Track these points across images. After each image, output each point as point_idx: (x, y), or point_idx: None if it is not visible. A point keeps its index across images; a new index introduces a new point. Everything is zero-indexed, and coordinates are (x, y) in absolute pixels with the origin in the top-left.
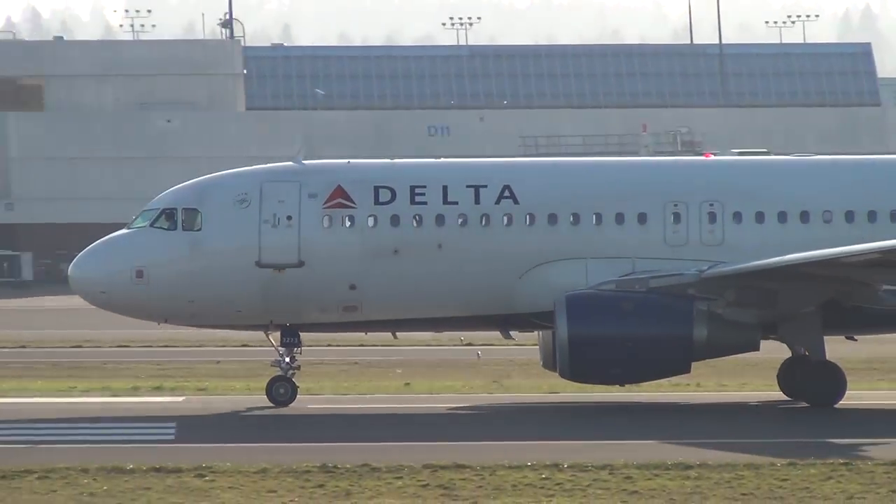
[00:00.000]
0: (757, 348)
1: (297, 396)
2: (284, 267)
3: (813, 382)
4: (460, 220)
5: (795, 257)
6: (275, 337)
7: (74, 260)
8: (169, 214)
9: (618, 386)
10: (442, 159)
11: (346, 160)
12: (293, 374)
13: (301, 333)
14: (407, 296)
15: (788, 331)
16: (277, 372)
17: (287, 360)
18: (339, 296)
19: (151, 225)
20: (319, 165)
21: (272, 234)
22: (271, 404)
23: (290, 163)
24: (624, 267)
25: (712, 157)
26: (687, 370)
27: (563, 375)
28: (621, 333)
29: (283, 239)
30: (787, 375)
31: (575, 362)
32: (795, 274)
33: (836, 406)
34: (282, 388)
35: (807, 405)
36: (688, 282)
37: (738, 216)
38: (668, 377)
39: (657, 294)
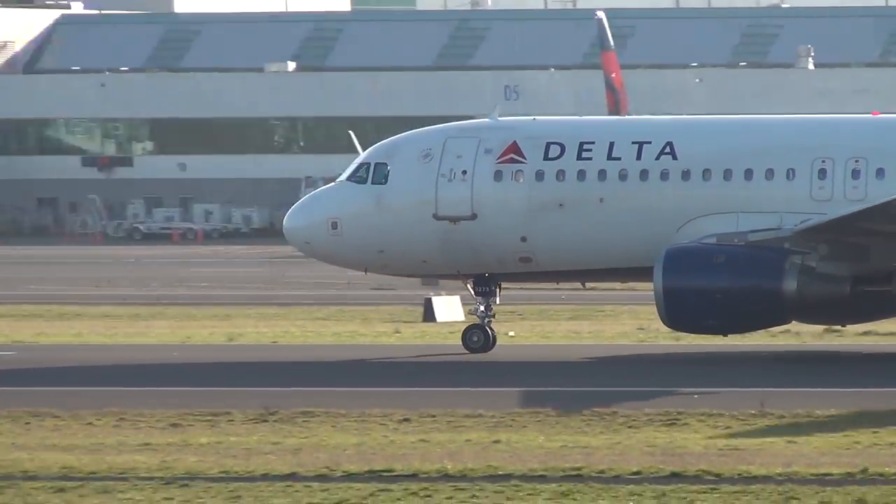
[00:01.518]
0: (851, 302)
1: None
2: (458, 219)
3: None
4: (621, 175)
5: (852, 210)
6: (472, 286)
7: (288, 212)
8: (364, 168)
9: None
10: (627, 117)
11: (533, 117)
12: (489, 321)
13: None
14: (573, 248)
15: None
16: (475, 320)
17: (482, 308)
18: (512, 247)
19: (349, 178)
20: (503, 122)
21: (448, 187)
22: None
23: (486, 119)
24: (772, 220)
25: (876, 116)
26: (783, 321)
27: (664, 324)
28: (712, 286)
29: (457, 192)
30: None
31: (671, 312)
32: (859, 229)
33: None
34: (475, 336)
35: None
36: (784, 236)
37: (881, 172)
38: (764, 328)
39: (753, 248)
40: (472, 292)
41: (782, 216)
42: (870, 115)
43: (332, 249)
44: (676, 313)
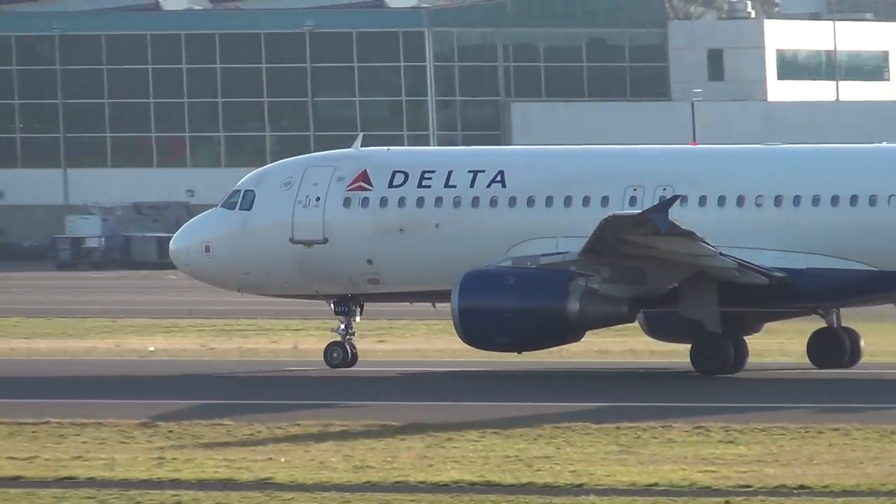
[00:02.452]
0: (631, 320)
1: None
2: (312, 243)
3: (706, 353)
4: (455, 202)
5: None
6: (333, 305)
7: (174, 235)
8: (236, 195)
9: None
10: (467, 147)
11: (387, 147)
12: (350, 339)
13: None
14: (414, 270)
15: (686, 304)
16: (335, 338)
17: (343, 326)
18: (360, 269)
19: (222, 205)
20: (359, 152)
21: (303, 213)
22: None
23: (350, 149)
24: None
25: (691, 146)
26: (570, 340)
27: (461, 341)
28: (501, 306)
29: (310, 218)
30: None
31: (466, 330)
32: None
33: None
34: (335, 353)
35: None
36: (570, 259)
37: (684, 200)
38: (552, 346)
39: (542, 271)
40: (334, 311)
41: None
42: (684, 146)
43: (205, 271)
44: (471, 331)
